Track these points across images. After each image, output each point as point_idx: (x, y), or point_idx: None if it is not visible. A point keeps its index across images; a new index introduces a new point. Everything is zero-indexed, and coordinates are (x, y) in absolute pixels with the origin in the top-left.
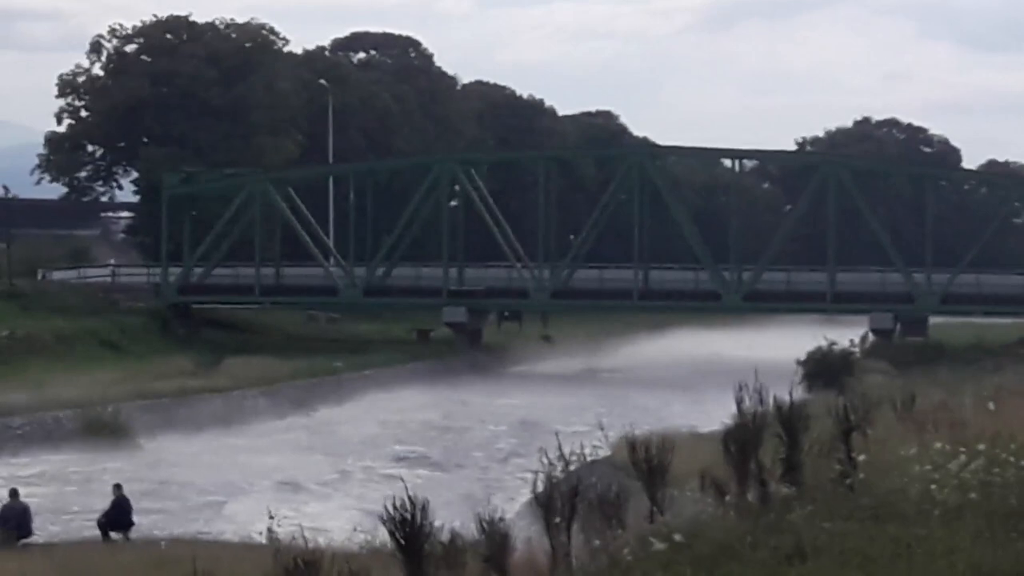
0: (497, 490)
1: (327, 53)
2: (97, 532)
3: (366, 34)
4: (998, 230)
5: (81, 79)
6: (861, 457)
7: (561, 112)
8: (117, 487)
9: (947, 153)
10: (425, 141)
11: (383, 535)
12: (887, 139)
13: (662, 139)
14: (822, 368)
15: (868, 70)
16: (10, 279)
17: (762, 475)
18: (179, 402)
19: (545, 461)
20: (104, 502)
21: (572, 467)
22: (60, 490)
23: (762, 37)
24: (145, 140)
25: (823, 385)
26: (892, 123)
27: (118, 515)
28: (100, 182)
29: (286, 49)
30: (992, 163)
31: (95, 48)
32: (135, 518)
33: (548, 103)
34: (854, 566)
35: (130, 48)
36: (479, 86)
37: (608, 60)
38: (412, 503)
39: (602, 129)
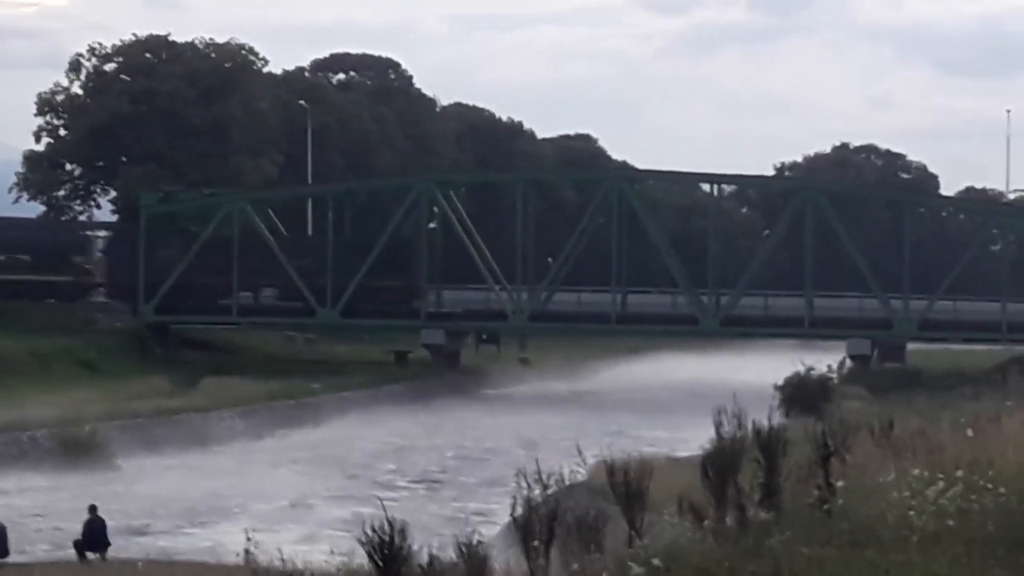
0: (477, 512)
1: (306, 74)
2: (73, 553)
3: (345, 55)
4: (975, 257)
5: (60, 97)
6: (839, 483)
7: (540, 135)
8: (92, 508)
9: (925, 179)
10: (404, 162)
11: (361, 557)
12: (865, 165)
13: (641, 162)
14: (800, 393)
15: (847, 95)
16: None
17: (740, 500)
18: (156, 422)
19: (523, 484)
20: (79, 523)
21: (550, 490)
22: (35, 508)
23: (742, 61)
24: (124, 159)
25: (801, 410)
26: (870, 149)
27: (94, 536)
28: (78, 201)
29: (265, 69)
30: (970, 189)
31: (74, 67)
32: (111, 538)
33: (527, 125)
34: None
35: (109, 67)
36: (458, 108)
37: (588, 83)
38: (390, 525)
39: (581, 152)
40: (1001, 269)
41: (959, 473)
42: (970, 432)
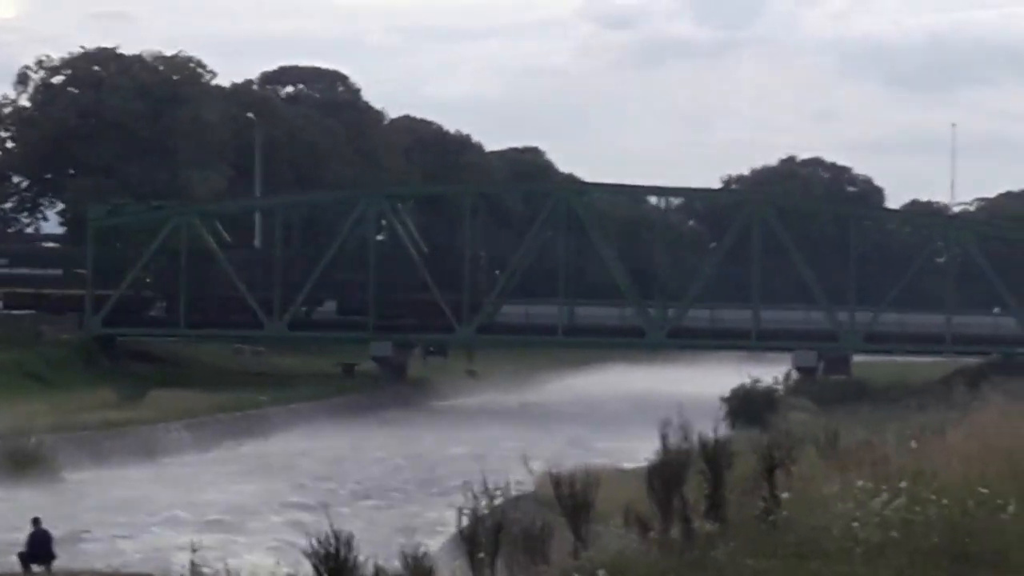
0: (423, 524)
1: (255, 87)
2: (18, 565)
3: (294, 68)
4: (920, 269)
5: (7, 110)
6: (784, 494)
7: (488, 148)
8: (35, 520)
9: (870, 192)
10: (353, 175)
11: (307, 569)
12: (812, 178)
13: (589, 175)
14: (746, 405)
15: (794, 109)
16: None
17: (686, 511)
18: (103, 434)
19: (469, 496)
20: (23, 534)
21: (496, 502)
22: None
23: (690, 75)
24: (71, 172)
25: (747, 422)
26: (817, 162)
27: (38, 548)
28: (25, 213)
29: (214, 82)
30: (915, 202)
31: (22, 79)
32: (56, 550)
33: (476, 138)
34: None
35: (57, 80)
36: (406, 121)
37: (536, 96)
38: (336, 537)
39: (529, 165)
40: (946, 282)
41: (903, 484)
42: (914, 444)
